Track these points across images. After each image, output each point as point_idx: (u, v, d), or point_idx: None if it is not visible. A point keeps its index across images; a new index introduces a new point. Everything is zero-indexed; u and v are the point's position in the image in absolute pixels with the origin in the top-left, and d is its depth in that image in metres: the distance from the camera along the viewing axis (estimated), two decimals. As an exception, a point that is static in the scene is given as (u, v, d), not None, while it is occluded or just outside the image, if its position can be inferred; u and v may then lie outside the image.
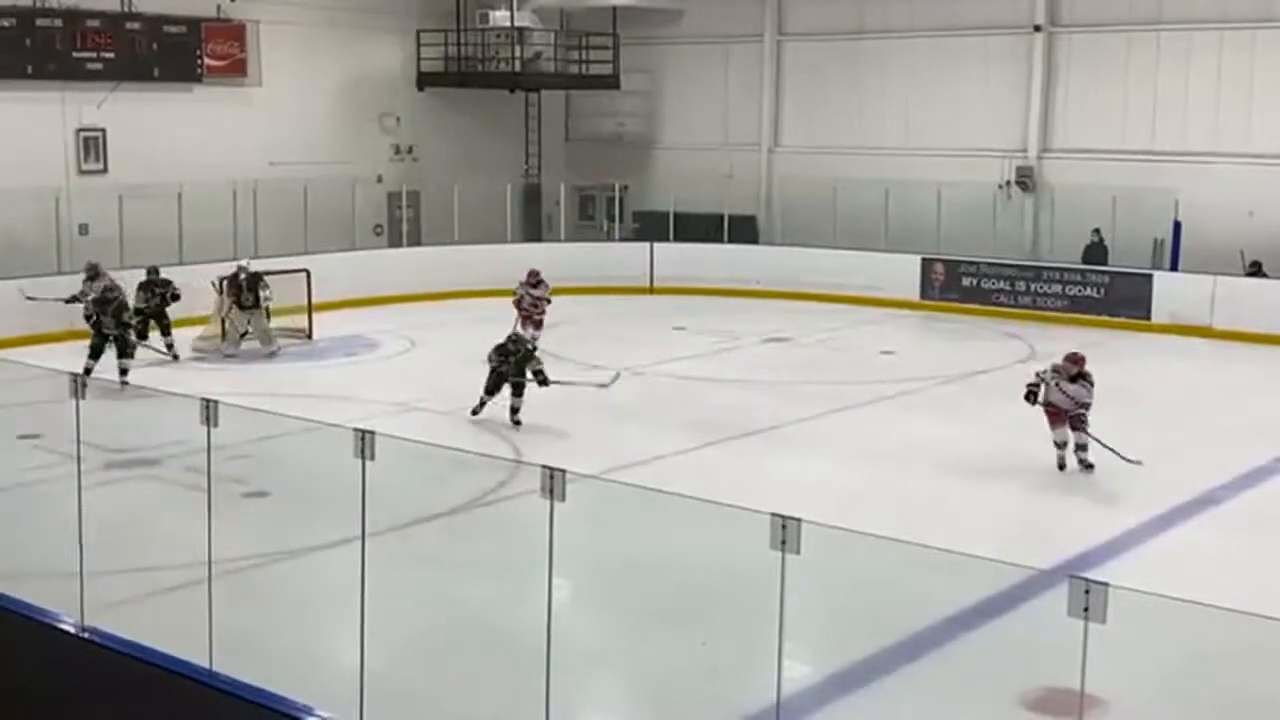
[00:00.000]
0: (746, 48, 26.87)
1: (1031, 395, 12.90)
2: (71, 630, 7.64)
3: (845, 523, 6.35)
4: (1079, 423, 12.75)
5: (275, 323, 19.19)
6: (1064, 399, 12.71)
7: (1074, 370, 12.78)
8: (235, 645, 7.24)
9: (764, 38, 26.67)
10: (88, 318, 16.68)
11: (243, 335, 18.70)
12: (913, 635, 8.59)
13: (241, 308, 18.60)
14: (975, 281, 23.16)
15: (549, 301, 18.89)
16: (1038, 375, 13.01)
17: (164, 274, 18.43)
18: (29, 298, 17.96)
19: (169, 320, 18.21)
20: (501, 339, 14.74)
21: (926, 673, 8.24)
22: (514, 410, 14.45)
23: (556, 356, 18.77)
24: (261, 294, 18.57)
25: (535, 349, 15.91)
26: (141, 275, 18.40)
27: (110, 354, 16.12)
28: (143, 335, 17.63)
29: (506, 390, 14.44)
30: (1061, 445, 12.83)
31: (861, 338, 20.64)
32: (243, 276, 18.63)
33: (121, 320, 16.31)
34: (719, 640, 8.45)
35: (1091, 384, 12.79)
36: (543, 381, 14.49)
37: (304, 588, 9.61)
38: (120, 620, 7.65)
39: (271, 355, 18.62)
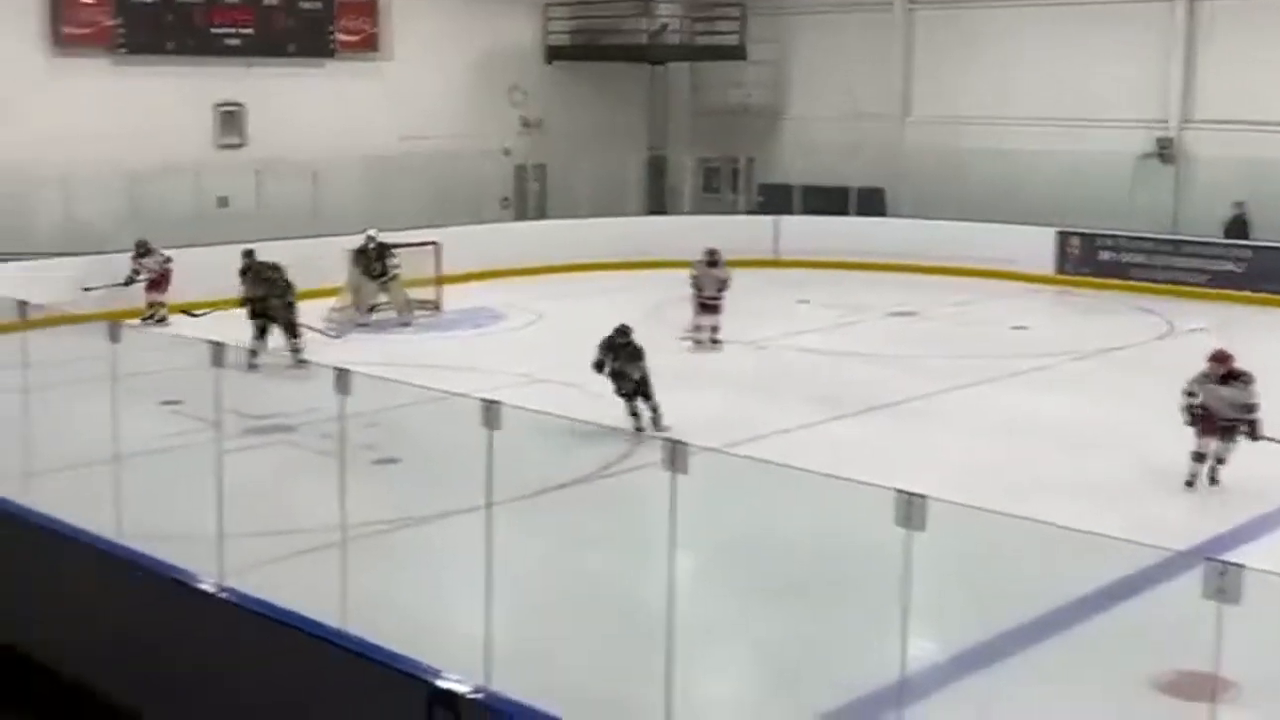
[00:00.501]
0: (876, 16, 26.44)
1: (1192, 414, 11.39)
2: (210, 590, 7.89)
3: (971, 500, 6.27)
4: (1231, 433, 11.34)
5: (384, 297, 19.46)
6: (1219, 404, 11.29)
7: (1221, 371, 11.35)
8: (366, 607, 7.41)
9: (894, 6, 26.22)
10: (248, 301, 16.45)
11: (372, 307, 19.02)
12: (1040, 616, 8.46)
13: (371, 278, 18.94)
14: (1112, 255, 22.62)
15: (728, 284, 17.36)
16: (1186, 392, 11.48)
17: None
18: (87, 289, 17.68)
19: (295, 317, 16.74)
20: (617, 327, 13.67)
21: (1053, 654, 8.11)
22: (655, 414, 13.20)
23: (675, 329, 18.83)
24: (389, 264, 18.86)
25: (719, 340, 15.61)
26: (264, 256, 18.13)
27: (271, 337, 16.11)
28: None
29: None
30: (1200, 459, 11.48)
31: (993, 312, 20.28)
32: (370, 247, 18.95)
33: (287, 301, 16.29)
34: (841, 616, 8.40)
35: (1248, 382, 11.31)
36: (630, 394, 13.25)
37: (431, 553, 9.80)
38: (256, 581, 7.87)
39: (405, 325, 18.92)
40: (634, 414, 13.23)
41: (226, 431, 10.17)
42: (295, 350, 15.96)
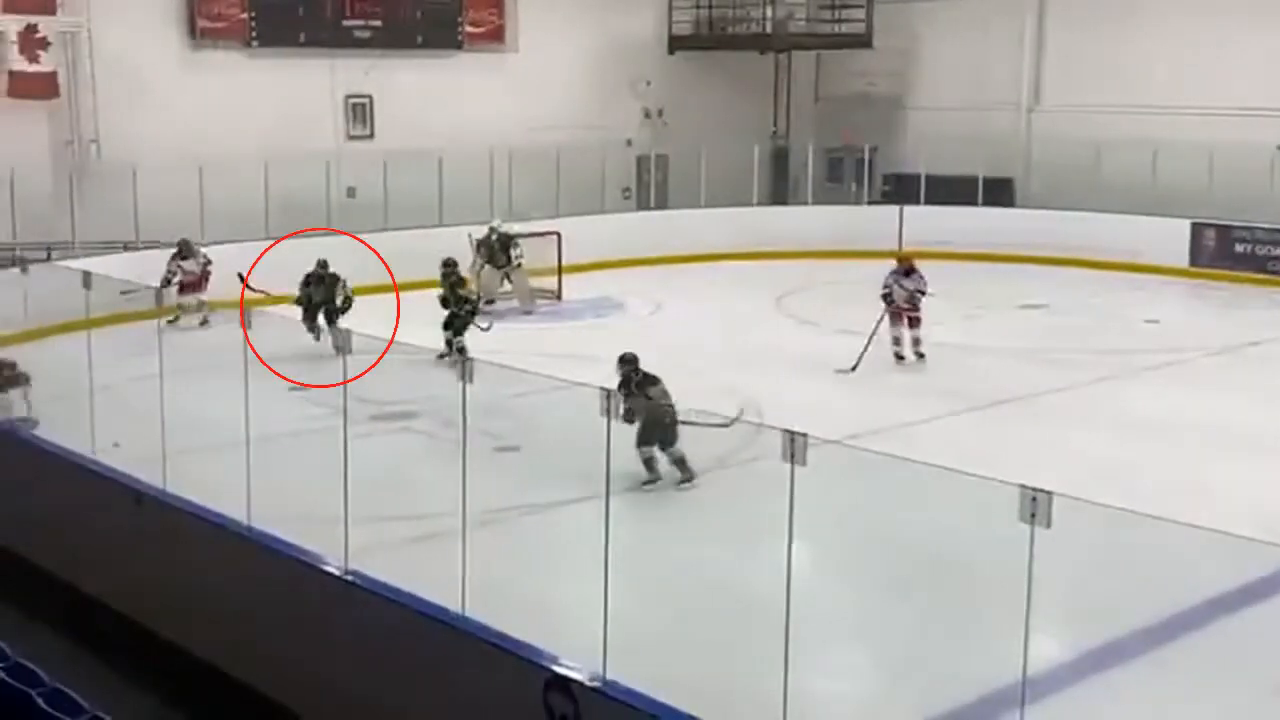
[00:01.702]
0: (1007, 2, 25.91)
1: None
2: (336, 573, 8.06)
3: (1098, 497, 6.13)
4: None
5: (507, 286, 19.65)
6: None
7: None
8: (486, 593, 7.49)
9: (1025, -7, 25.67)
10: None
11: (489, 301, 19.19)
12: (1167, 617, 8.24)
13: (495, 267, 19.15)
14: (1249, 248, 21.92)
15: (925, 295, 15.96)
16: None
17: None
18: (124, 293, 16.16)
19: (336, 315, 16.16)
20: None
21: (1181, 656, 7.90)
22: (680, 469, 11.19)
23: (798, 320, 18.72)
24: (513, 253, 19.07)
25: (922, 354, 15.27)
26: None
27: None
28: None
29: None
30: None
31: (1124, 305, 19.77)
32: (494, 237, 19.17)
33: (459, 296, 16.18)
34: (962, 614, 8.27)
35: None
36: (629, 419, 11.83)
37: (551, 541, 9.87)
38: (378, 564, 8.01)
39: (527, 314, 19.10)
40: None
41: (351, 417, 10.38)
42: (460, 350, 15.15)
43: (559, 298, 20.19)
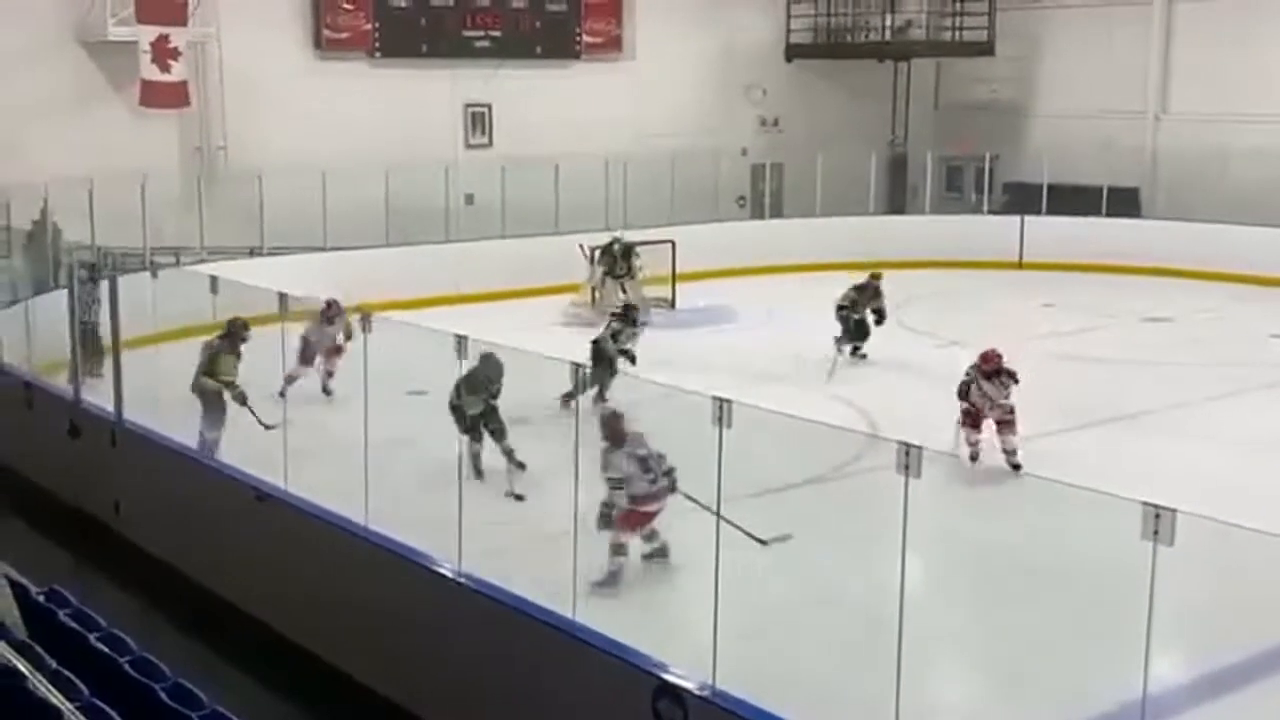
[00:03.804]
0: (1133, 9, 25.34)
1: None
2: (449, 574, 8.16)
3: (1218, 515, 5.97)
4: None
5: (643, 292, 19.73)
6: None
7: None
8: (596, 598, 7.53)
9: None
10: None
11: (611, 311, 19.25)
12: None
13: (614, 277, 19.25)
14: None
15: (1008, 406, 12.17)
16: None
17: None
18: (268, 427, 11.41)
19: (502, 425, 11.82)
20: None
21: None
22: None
23: (913, 331, 18.51)
24: (634, 264, 19.18)
25: (1018, 465, 11.62)
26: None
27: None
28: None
29: None
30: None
31: (1251, 319, 19.20)
32: (616, 248, 19.29)
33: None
34: (1080, 631, 8.10)
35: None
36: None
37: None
38: (492, 567, 8.10)
39: (644, 324, 19.11)
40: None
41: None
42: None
43: (672, 306, 20.21)
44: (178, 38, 20.41)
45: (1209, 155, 23.06)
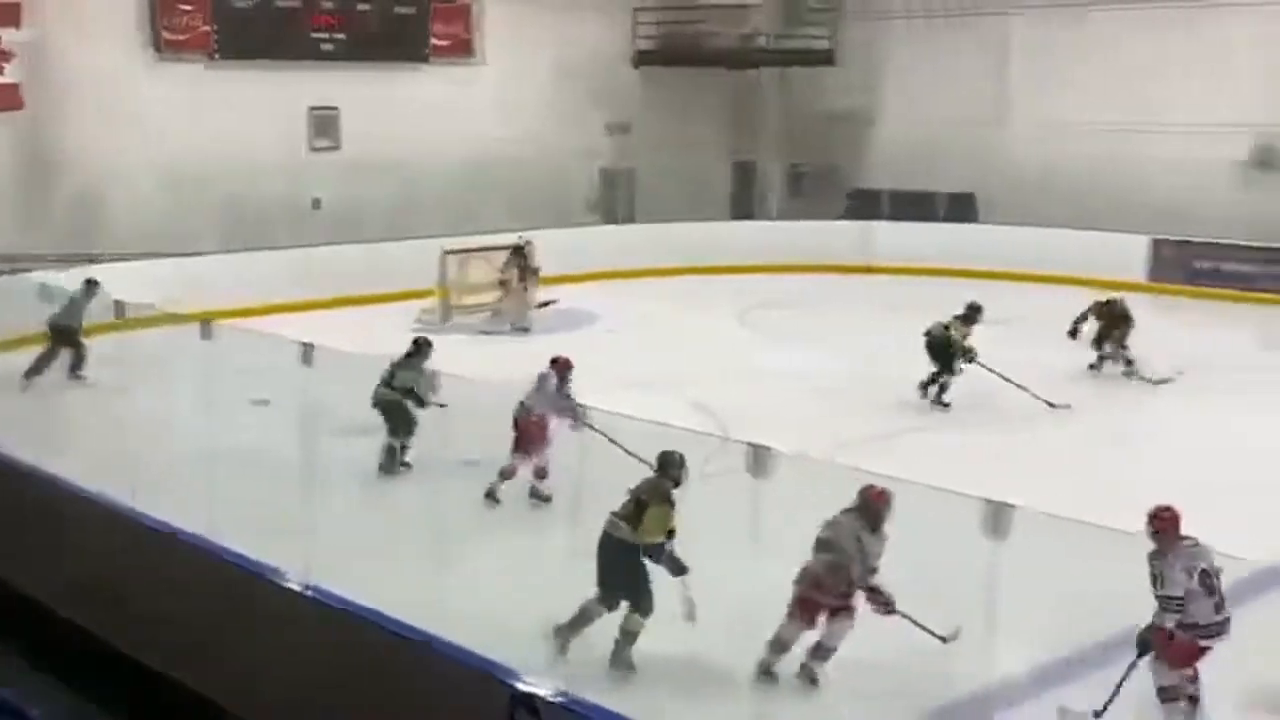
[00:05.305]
0: (972, 20, 25.95)
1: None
2: (296, 587, 7.99)
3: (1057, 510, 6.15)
4: None
5: (487, 298, 19.65)
6: None
7: None
8: (445, 606, 7.45)
9: (994, 11, 25.74)
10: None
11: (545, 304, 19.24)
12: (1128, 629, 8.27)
13: (524, 279, 19.24)
14: (1210, 264, 22.19)
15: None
16: None
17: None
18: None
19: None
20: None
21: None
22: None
23: (767, 334, 18.73)
24: (535, 265, 19.25)
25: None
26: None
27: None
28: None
29: None
30: None
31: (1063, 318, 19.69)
32: (527, 249, 19.30)
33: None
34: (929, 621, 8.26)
35: None
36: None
37: (510, 554, 9.81)
38: (339, 577, 7.95)
39: (525, 330, 19.02)
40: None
41: (313, 431, 10.32)
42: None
43: (545, 306, 20.03)
44: (9, 39, 19.71)
45: (1044, 162, 23.85)
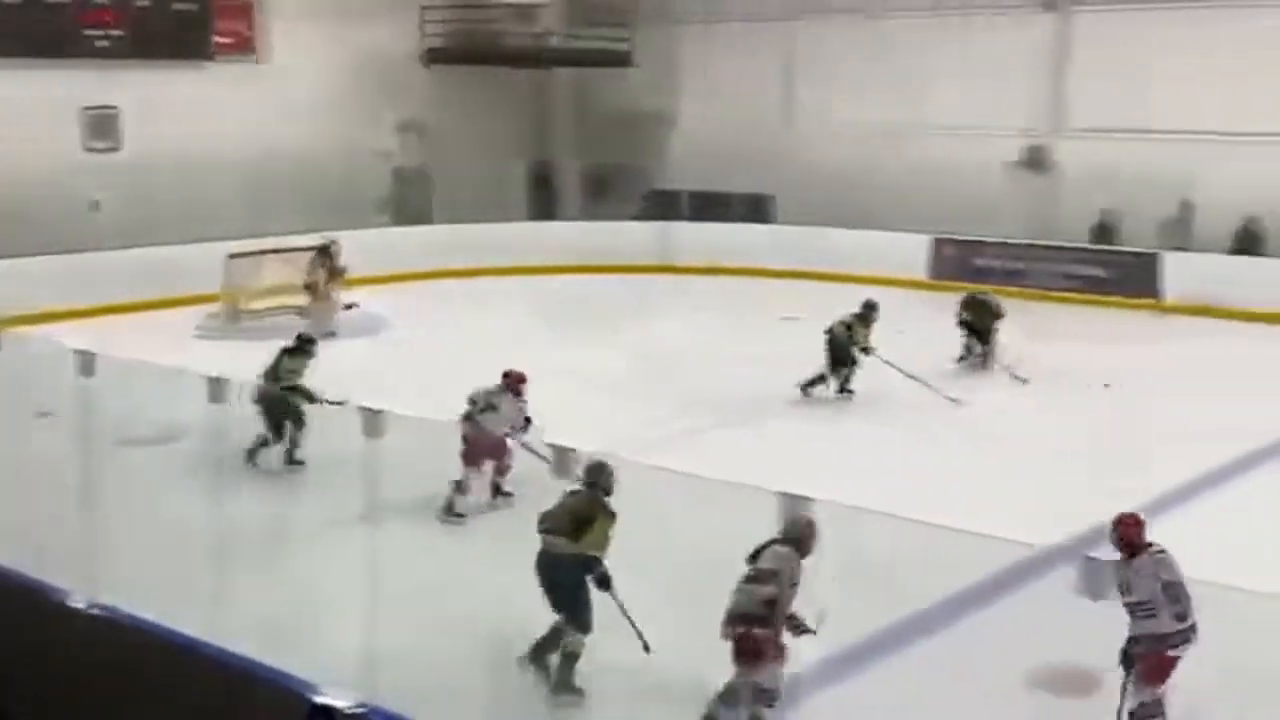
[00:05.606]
0: (766, 25, 26.44)
1: None
2: (81, 606, 7.67)
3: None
4: None
5: (284, 300, 19.15)
6: None
7: None
8: (242, 620, 7.26)
9: (786, 18, 26.25)
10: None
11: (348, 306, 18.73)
12: (914, 614, 8.56)
13: (331, 280, 18.74)
14: (988, 261, 23.18)
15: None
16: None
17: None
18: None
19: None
20: None
21: (930, 652, 8.21)
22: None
23: (568, 336, 18.76)
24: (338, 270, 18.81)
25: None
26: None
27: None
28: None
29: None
30: None
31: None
32: (334, 249, 18.85)
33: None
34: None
35: None
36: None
37: (305, 565, 9.63)
38: (128, 594, 7.68)
39: (332, 334, 18.47)
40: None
41: (100, 443, 9.94)
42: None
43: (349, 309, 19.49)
44: None
45: (833, 164, 24.48)
